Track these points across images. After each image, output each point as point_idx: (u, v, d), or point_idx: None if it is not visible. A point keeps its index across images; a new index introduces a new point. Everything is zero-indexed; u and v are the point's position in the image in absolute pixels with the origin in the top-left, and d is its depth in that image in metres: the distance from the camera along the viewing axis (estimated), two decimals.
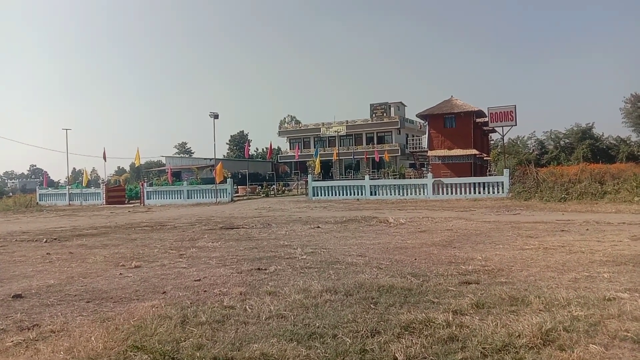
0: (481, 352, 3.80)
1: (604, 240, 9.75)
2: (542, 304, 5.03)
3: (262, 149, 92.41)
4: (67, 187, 41.54)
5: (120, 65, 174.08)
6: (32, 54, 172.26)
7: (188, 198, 34.03)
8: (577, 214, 16.41)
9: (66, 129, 41.97)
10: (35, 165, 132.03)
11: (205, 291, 6.24)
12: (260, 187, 45.06)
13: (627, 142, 64.49)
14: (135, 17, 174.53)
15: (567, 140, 67.42)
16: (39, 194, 41.58)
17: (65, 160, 43.03)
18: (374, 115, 65.45)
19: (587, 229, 11.80)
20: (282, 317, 4.91)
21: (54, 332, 4.69)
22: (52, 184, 64.30)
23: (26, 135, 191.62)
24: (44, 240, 12.73)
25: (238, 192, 40.62)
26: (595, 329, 4.26)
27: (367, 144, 65.02)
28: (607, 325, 4.30)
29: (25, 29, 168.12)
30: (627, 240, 9.66)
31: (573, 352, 3.70)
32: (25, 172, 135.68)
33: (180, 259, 8.97)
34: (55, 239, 13.06)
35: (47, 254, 10.14)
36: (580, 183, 23.06)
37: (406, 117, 66.09)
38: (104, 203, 36.43)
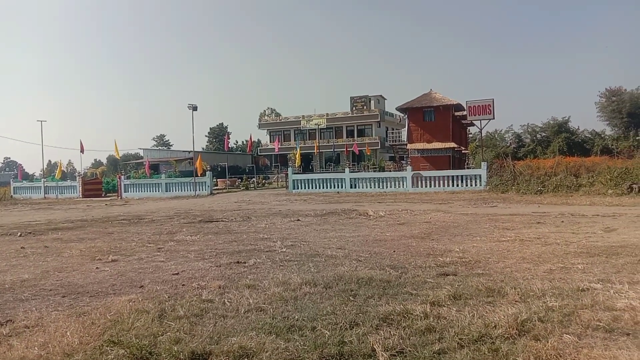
0: (458, 343, 3.85)
1: (579, 232, 9.94)
2: (518, 295, 5.12)
3: (242, 142, 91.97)
4: (43, 180, 40.77)
5: (97, 56, 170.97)
6: (6, 43, 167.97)
7: (166, 191, 33.68)
8: (552, 206, 16.71)
9: (41, 121, 41.09)
10: (10, 158, 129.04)
11: (183, 285, 6.20)
12: (240, 180, 44.80)
13: (602, 135, 65.63)
14: (114, 8, 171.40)
15: (544, 134, 68.34)
16: (13, 187, 40.76)
17: (40, 152, 42.10)
18: (354, 108, 65.52)
19: (562, 221, 12.02)
20: (261, 310, 4.90)
21: (28, 328, 4.61)
22: (27, 176, 63.02)
23: (0, 127, 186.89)
24: (19, 234, 12.48)
25: (217, 185, 40.36)
26: (569, 319, 4.35)
27: (347, 137, 65.08)
28: (580, 316, 4.39)
29: (1, 17, 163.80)
30: (601, 232, 9.88)
31: (547, 342, 3.77)
32: None
33: (158, 253, 8.88)
34: (30, 232, 12.82)
35: (21, 247, 9.95)
36: (556, 176, 23.49)
37: (386, 110, 66.32)
38: (81, 196, 35.86)
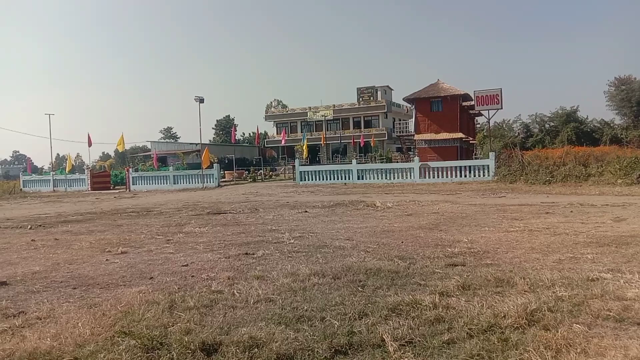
0: (467, 333, 3.85)
1: (588, 222, 9.88)
2: (527, 285, 5.10)
3: (249, 134, 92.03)
4: (52, 173, 41.05)
5: (105, 48, 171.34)
6: (14, 37, 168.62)
7: (174, 183, 33.81)
8: (561, 196, 16.61)
9: (49, 114, 41.29)
10: (19, 151, 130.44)
11: (192, 276, 6.23)
12: (247, 172, 44.91)
13: (611, 125, 65.07)
14: (120, 1, 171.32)
15: (552, 124, 67.83)
16: (23, 181, 41.07)
17: (49, 145, 42.38)
18: (360, 99, 65.31)
19: (571, 211, 11.95)
20: (270, 301, 4.92)
21: (40, 319, 4.65)
22: (36, 170, 63.51)
23: (8, 121, 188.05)
24: (29, 226, 12.59)
25: (225, 177, 40.46)
26: (578, 309, 4.33)
27: (354, 128, 64.97)
28: (590, 305, 4.37)
29: (7, 11, 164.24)
30: (610, 222, 9.81)
31: (557, 331, 3.75)
32: (8, 159, 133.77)
33: (167, 245, 8.92)
34: (40, 225, 12.92)
35: (31, 240, 10.03)
36: (565, 166, 23.34)
37: (393, 101, 66.04)
38: (89, 189, 36.09)
